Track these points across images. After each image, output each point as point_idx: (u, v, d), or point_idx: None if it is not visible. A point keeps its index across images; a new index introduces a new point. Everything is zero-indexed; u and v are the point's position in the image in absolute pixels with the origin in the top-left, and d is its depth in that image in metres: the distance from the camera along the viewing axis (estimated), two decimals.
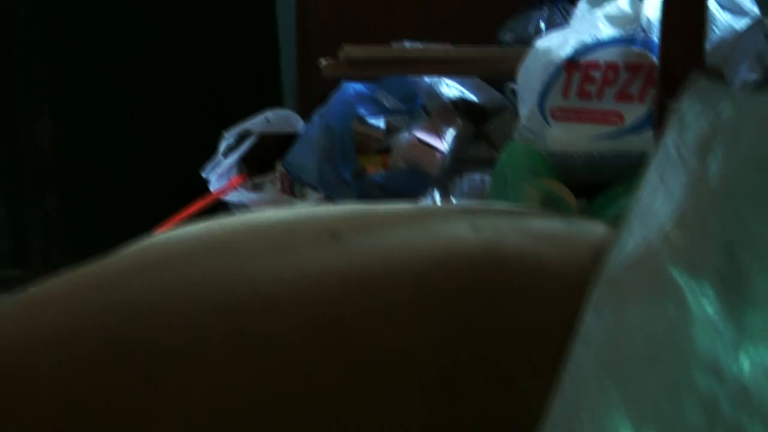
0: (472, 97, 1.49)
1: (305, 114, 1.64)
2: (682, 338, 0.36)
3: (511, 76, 1.32)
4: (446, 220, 0.60)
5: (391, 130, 1.50)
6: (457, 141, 1.42)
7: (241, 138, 1.65)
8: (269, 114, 1.68)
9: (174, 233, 0.61)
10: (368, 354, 0.51)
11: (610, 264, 0.39)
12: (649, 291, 0.37)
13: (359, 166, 1.45)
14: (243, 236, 0.59)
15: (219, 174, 1.61)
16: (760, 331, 0.37)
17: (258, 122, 1.66)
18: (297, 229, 0.59)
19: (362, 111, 1.51)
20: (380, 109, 1.51)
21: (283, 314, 0.52)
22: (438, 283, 0.53)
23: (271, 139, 1.65)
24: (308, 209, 0.67)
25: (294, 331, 0.51)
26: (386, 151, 1.48)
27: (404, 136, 1.45)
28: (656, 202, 0.39)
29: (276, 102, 1.90)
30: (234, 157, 1.63)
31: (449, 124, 1.44)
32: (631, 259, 0.38)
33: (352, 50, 1.44)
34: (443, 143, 1.41)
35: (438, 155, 1.40)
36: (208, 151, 1.67)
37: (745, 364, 0.37)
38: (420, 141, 1.41)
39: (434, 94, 1.49)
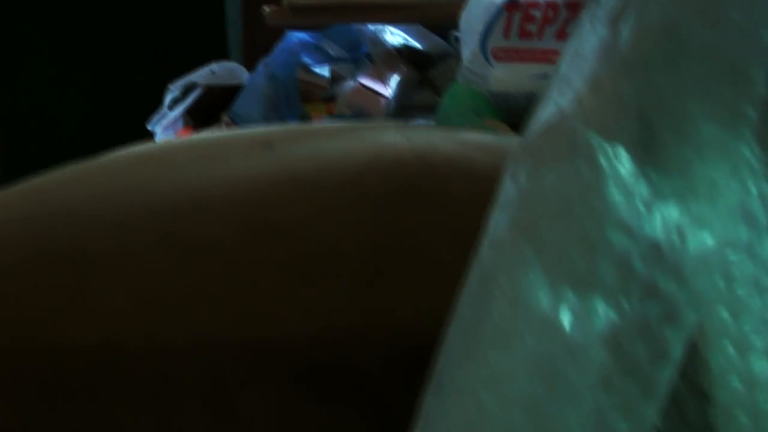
0: (416, 45, 1.49)
1: (251, 67, 1.63)
2: (595, 197, 0.37)
3: (455, 24, 1.32)
4: (379, 132, 0.61)
5: (336, 78, 1.50)
6: (402, 87, 1.42)
7: (187, 90, 1.64)
8: (215, 66, 1.67)
9: (112, 153, 0.61)
10: (300, 251, 0.51)
11: (526, 134, 0.40)
12: (562, 153, 0.38)
13: (304, 114, 1.45)
14: (177, 149, 0.60)
15: (164, 126, 1.60)
16: (673, 192, 0.38)
17: (203, 75, 1.65)
18: (230, 141, 0.60)
19: (307, 60, 1.50)
20: (325, 58, 1.51)
21: (216, 217, 0.52)
22: (368, 183, 0.54)
23: (216, 91, 1.64)
24: (243, 129, 0.68)
25: (227, 232, 0.52)
26: (331, 99, 1.48)
27: (349, 84, 1.46)
28: (571, 74, 0.40)
29: (222, 55, 1.89)
30: (179, 109, 1.62)
31: (393, 71, 1.44)
32: (545, 126, 0.39)
33: None
34: (388, 89, 1.41)
35: (382, 101, 1.40)
36: (153, 104, 1.66)
37: (658, 223, 0.37)
38: (364, 87, 1.41)
39: (378, 42, 1.49)
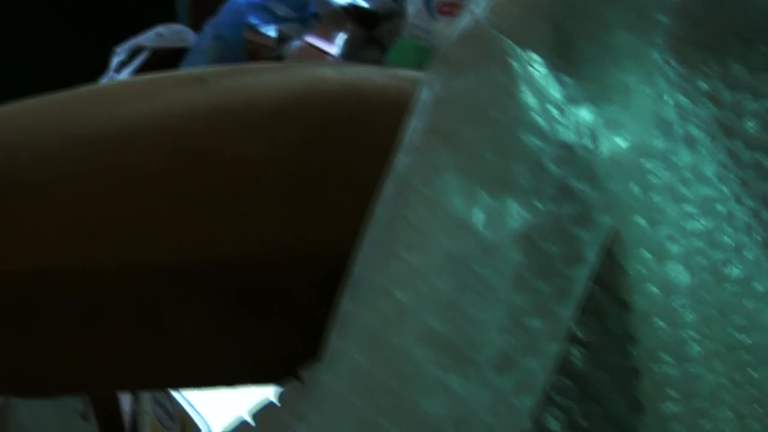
0: (363, 4, 1.49)
1: (198, 29, 1.62)
2: (508, 101, 0.37)
3: None
4: (312, 67, 0.61)
5: (282, 38, 1.50)
6: (348, 45, 1.42)
7: (134, 53, 1.64)
8: (162, 29, 1.66)
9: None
10: (230, 178, 0.51)
11: (442, 45, 0.40)
12: (476, 59, 0.38)
13: None
14: (113, 87, 0.60)
15: None
16: (586, 97, 0.38)
17: (150, 37, 1.64)
18: (165, 78, 0.60)
19: (254, 20, 1.50)
20: (272, 18, 1.50)
21: (147, 146, 0.52)
22: (298, 112, 0.54)
23: (163, 54, 1.63)
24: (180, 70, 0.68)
25: (158, 161, 0.52)
26: (278, 59, 1.48)
27: (296, 43, 1.45)
28: None
29: (169, 17, 1.88)
30: (126, 72, 1.61)
31: (340, 30, 1.44)
32: (459, 34, 0.39)
33: None
34: (334, 48, 1.41)
35: (329, 60, 1.40)
36: (99, 68, 1.65)
37: (571, 126, 0.38)
38: (311, 46, 1.41)
39: (325, 2, 1.48)
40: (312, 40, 1.43)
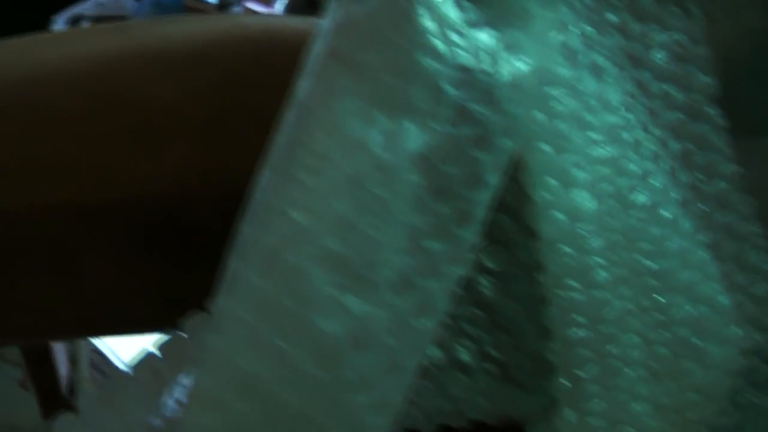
0: None
1: None
2: (407, 24, 0.37)
3: None
4: (233, 16, 0.60)
5: (223, 4, 1.48)
6: (288, 10, 1.42)
7: (73, 22, 1.62)
8: None
9: None
10: (144, 118, 0.51)
11: None
12: None
13: None
14: (37, 37, 0.59)
15: None
16: (485, 21, 0.38)
17: (89, 6, 1.62)
18: (90, 28, 0.59)
19: None
20: None
21: (61, 88, 0.52)
22: (214, 54, 0.54)
23: (104, 22, 1.61)
24: None
25: (72, 102, 0.51)
26: None
27: (236, 9, 1.44)
28: None
29: None
30: None
31: None
32: None
33: None
34: (274, 12, 1.40)
35: None
36: None
37: (469, 48, 0.38)
38: (251, 11, 1.40)
39: None
40: (252, 5, 1.42)
